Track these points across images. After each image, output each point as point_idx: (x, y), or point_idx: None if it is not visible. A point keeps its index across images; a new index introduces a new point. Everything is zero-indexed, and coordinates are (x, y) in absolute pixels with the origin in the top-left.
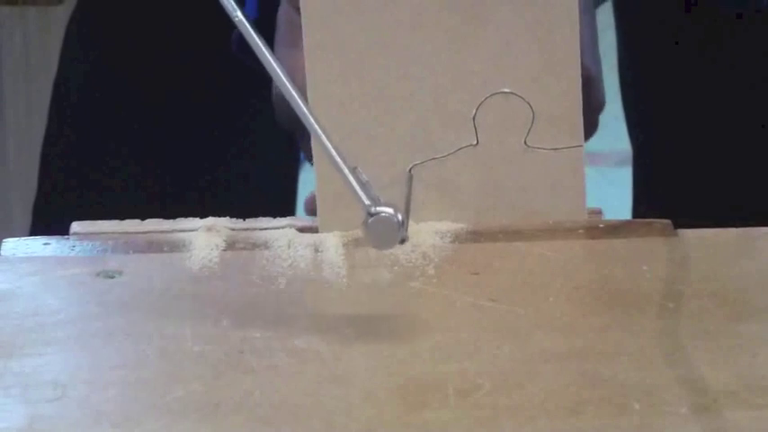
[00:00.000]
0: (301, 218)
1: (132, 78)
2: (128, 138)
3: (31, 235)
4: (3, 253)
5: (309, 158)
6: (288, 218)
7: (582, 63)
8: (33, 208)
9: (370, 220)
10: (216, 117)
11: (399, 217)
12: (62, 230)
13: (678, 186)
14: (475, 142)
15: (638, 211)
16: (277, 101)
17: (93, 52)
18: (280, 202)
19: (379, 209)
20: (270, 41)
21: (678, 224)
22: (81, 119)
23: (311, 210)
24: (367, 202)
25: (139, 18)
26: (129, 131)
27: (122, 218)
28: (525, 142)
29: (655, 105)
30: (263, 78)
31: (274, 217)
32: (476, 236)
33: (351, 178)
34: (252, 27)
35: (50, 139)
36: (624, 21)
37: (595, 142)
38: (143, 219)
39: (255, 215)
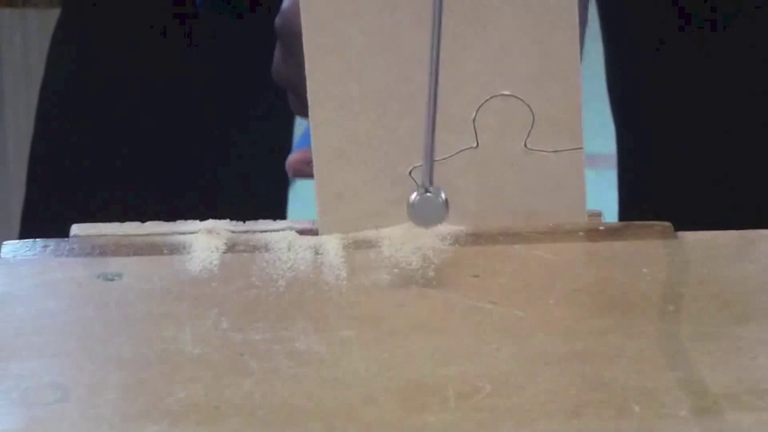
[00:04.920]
0: (301, 220)
1: (120, 83)
2: (115, 142)
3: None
4: (2, 255)
5: (298, 112)
6: (288, 220)
7: None
8: (22, 214)
9: (418, 198)
10: (205, 120)
11: (443, 196)
12: (52, 236)
13: (664, 189)
14: (475, 145)
15: (623, 213)
16: (288, 13)
17: (80, 57)
18: (269, 205)
19: (430, 189)
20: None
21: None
22: (68, 123)
23: (295, 171)
24: (426, 179)
25: (128, 22)
26: (117, 136)
27: (109, 222)
28: (525, 145)
29: (642, 109)
30: (252, 80)
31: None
32: (476, 238)
33: (428, 150)
34: None
35: (38, 144)
36: (609, 23)
37: (595, 145)
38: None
39: (245, 218)
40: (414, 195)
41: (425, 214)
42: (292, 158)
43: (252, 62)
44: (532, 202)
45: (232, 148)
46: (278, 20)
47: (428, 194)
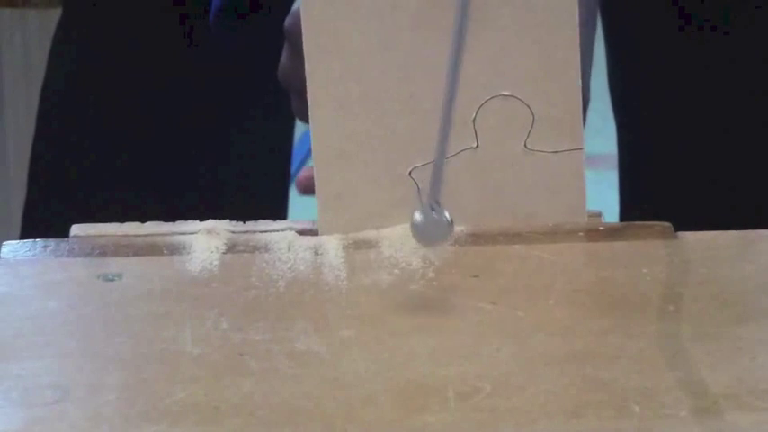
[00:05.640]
0: (301, 220)
1: (120, 83)
2: (116, 142)
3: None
4: (3, 255)
5: (300, 117)
6: (288, 221)
7: None
8: (22, 214)
9: (422, 218)
10: (205, 120)
11: (448, 216)
12: (52, 236)
13: (664, 189)
14: (475, 145)
15: (624, 213)
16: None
17: (81, 57)
18: (270, 206)
19: (436, 208)
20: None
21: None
22: (68, 124)
23: (305, 188)
24: (432, 200)
25: (128, 22)
26: (118, 136)
27: (109, 222)
28: (525, 145)
29: (642, 109)
30: (252, 80)
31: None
32: (476, 238)
33: (437, 170)
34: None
35: (38, 144)
36: (611, 23)
37: (595, 145)
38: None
39: (245, 218)
40: (417, 215)
41: (429, 233)
42: (301, 176)
43: (252, 62)
44: (532, 203)
45: (232, 148)
46: (288, 21)
47: (433, 214)
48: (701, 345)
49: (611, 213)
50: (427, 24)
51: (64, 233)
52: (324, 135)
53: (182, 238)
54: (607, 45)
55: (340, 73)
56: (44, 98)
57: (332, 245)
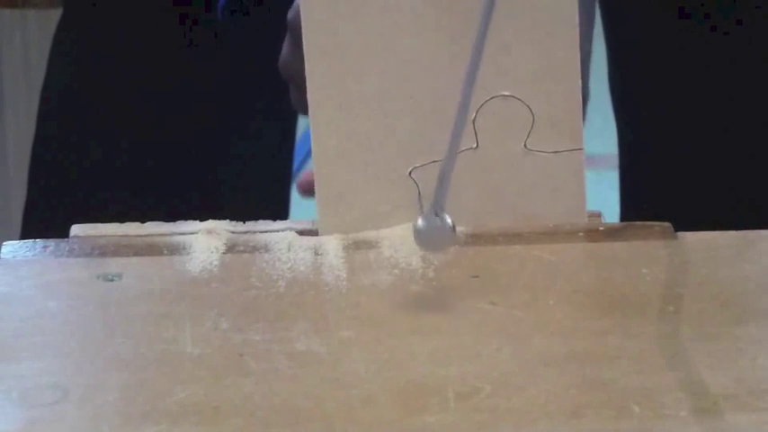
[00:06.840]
0: (301, 221)
1: (121, 83)
2: (116, 143)
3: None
4: (2, 256)
5: (299, 108)
6: (288, 221)
7: None
8: (22, 214)
9: (425, 223)
10: (205, 120)
11: (449, 222)
12: (52, 237)
13: (665, 189)
14: (475, 145)
15: (624, 213)
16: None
17: (81, 57)
18: (271, 206)
19: (439, 214)
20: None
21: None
22: (69, 124)
23: (305, 191)
24: (437, 205)
25: (129, 22)
26: (118, 136)
27: (109, 222)
28: (525, 145)
29: (643, 109)
30: (253, 80)
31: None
32: (475, 239)
33: (444, 176)
34: None
35: (39, 145)
36: (611, 24)
37: (595, 146)
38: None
39: (246, 218)
40: (420, 220)
41: (432, 239)
42: (302, 180)
43: (252, 62)
44: (532, 203)
45: (232, 148)
46: (290, 13)
47: (435, 220)
48: (701, 345)
49: (611, 213)
50: (427, 25)
51: (64, 233)
52: (324, 135)
53: (182, 238)
54: (607, 45)
55: (340, 73)
56: (44, 98)
57: (332, 245)
